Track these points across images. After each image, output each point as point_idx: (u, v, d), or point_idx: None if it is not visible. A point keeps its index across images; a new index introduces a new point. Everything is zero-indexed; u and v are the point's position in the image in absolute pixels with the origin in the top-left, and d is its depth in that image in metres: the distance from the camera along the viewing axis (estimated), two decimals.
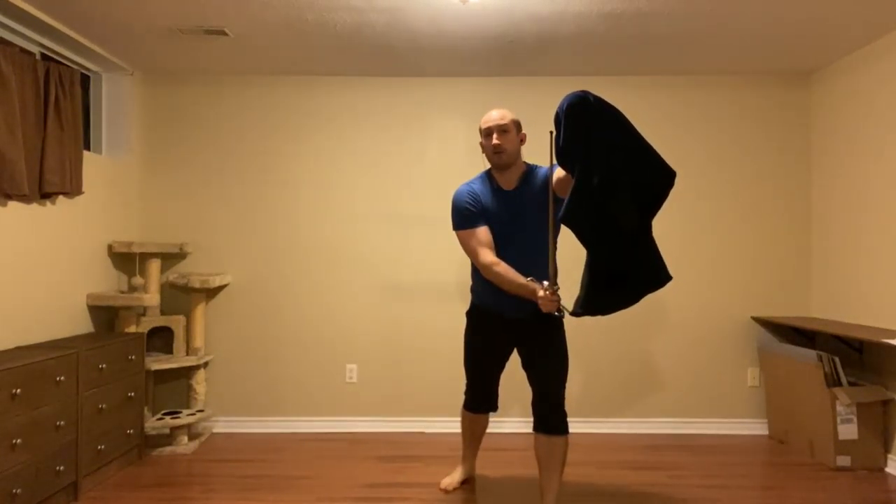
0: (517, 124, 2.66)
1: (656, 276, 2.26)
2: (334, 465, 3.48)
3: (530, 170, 2.67)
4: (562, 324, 2.65)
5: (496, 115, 2.63)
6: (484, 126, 2.64)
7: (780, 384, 3.91)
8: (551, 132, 2.23)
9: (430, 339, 4.17)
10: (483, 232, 2.59)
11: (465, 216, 2.63)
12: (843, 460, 3.42)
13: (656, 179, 2.15)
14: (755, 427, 4.13)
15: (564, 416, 2.61)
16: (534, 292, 2.39)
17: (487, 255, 2.55)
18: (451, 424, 4.06)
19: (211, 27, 3.34)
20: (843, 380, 3.47)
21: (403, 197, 4.20)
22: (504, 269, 2.50)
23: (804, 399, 3.65)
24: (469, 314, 2.89)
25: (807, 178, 4.18)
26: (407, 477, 3.29)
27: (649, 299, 4.13)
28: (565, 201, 2.16)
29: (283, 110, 4.22)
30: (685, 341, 4.17)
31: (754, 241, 4.18)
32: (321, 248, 4.20)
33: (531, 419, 2.68)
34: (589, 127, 2.10)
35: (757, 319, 4.15)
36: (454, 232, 2.68)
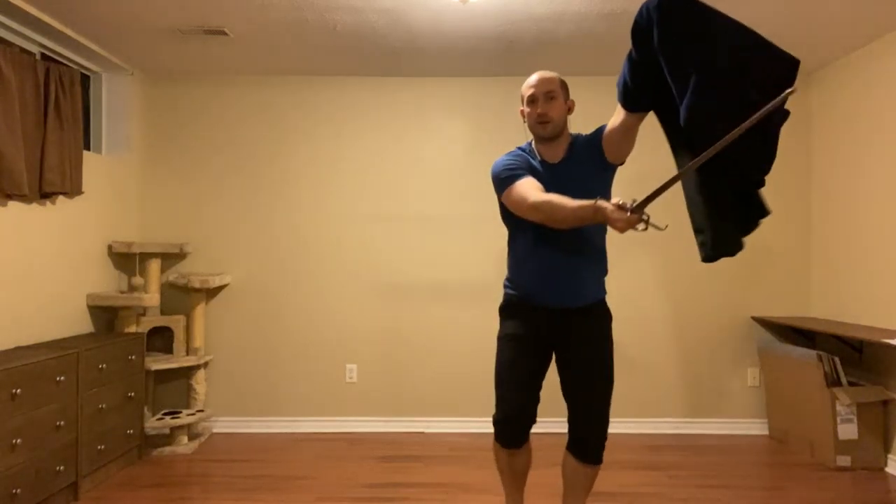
0: (565, 88, 2.28)
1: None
2: (334, 465, 3.48)
3: (575, 139, 2.30)
4: (610, 325, 2.33)
5: (542, 79, 2.24)
6: (527, 92, 2.26)
7: (780, 384, 3.91)
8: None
9: (430, 338, 4.17)
10: (529, 180, 2.15)
11: (508, 174, 2.21)
12: (843, 460, 3.42)
13: (783, 66, 1.71)
14: (755, 427, 4.13)
15: (605, 441, 2.25)
16: (597, 210, 1.87)
17: (538, 195, 2.08)
18: (451, 424, 4.07)
19: (211, 27, 3.34)
20: (843, 380, 3.47)
21: (403, 197, 4.20)
22: (557, 197, 2.03)
23: (804, 399, 3.65)
24: (503, 311, 2.40)
25: (807, 178, 4.18)
26: (407, 477, 3.29)
27: (650, 301, 4.17)
28: (686, 98, 1.72)
29: (283, 110, 4.22)
30: (685, 341, 4.17)
31: (754, 241, 4.15)
32: (321, 248, 4.20)
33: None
34: (699, 14, 1.71)
35: (757, 319, 4.15)
36: (501, 202, 2.27)
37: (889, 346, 3.15)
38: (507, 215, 2.30)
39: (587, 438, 2.25)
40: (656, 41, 1.75)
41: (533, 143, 2.32)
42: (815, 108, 4.11)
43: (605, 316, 2.32)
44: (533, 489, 3.10)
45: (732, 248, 1.99)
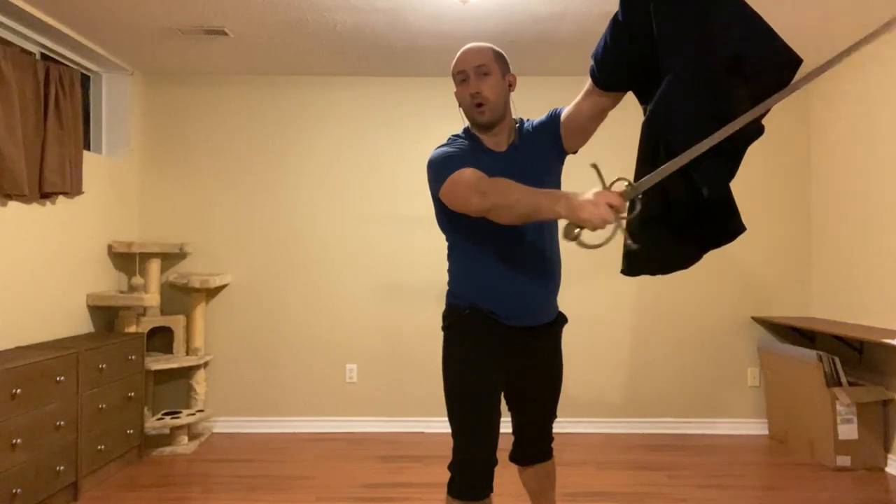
0: (502, 60, 1.94)
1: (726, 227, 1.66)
2: (334, 465, 3.48)
3: (521, 123, 2.02)
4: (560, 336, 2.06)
5: (470, 51, 1.90)
6: (457, 69, 1.90)
7: (780, 384, 3.91)
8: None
9: (430, 338, 4.17)
10: (472, 169, 1.79)
11: (449, 162, 1.86)
12: (843, 460, 3.42)
13: (781, 64, 1.47)
14: (755, 427, 4.13)
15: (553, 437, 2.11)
16: (570, 198, 1.50)
17: (484, 177, 1.73)
18: None
19: (211, 27, 3.34)
20: (843, 380, 3.47)
21: (403, 197, 4.20)
22: (506, 180, 1.68)
23: (804, 399, 3.65)
24: (455, 328, 1.93)
25: (807, 178, 4.18)
26: (407, 477, 3.29)
27: (649, 301, 4.17)
28: (663, 90, 1.48)
29: (282, 110, 4.22)
30: (686, 341, 4.17)
31: (754, 241, 4.17)
32: (321, 248, 4.20)
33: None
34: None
35: (757, 319, 4.15)
36: (439, 201, 1.93)
37: (889, 346, 3.15)
38: (452, 217, 1.94)
39: (547, 440, 2.08)
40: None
41: (470, 128, 1.99)
42: (815, 107, 4.11)
43: (562, 322, 2.04)
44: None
45: (666, 265, 1.71)
